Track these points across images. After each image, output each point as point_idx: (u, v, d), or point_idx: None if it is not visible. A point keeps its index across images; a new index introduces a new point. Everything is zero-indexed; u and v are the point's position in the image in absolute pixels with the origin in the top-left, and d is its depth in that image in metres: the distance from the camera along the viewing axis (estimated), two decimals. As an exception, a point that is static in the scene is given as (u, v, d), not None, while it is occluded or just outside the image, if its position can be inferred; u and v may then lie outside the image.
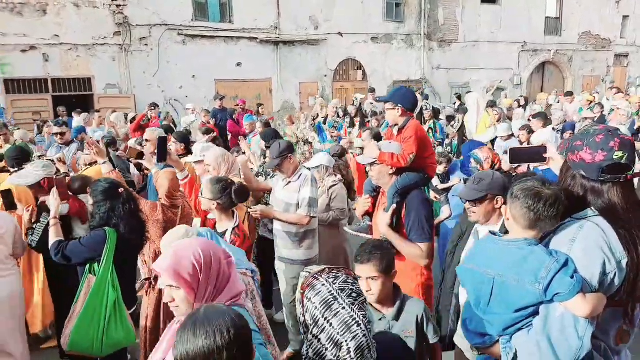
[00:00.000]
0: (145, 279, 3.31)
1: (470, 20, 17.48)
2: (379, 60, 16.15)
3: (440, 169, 5.16)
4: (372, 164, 2.90)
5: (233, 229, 3.00)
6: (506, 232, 1.90)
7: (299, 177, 3.63)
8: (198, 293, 1.62)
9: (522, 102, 11.70)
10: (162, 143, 3.74)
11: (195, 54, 13.06)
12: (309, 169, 4.02)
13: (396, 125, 3.00)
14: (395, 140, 2.91)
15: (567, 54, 19.65)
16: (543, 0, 18.68)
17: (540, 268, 1.61)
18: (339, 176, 4.51)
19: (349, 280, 1.59)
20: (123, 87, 12.47)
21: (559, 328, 1.61)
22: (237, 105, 10.42)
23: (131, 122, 9.59)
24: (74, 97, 11.99)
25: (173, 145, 5.10)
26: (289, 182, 3.65)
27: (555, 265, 1.59)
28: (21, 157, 4.22)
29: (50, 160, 4.48)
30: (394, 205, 2.80)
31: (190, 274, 1.60)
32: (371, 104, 10.83)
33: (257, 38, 13.84)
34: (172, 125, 8.91)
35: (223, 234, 2.97)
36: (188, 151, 5.25)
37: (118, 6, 12.05)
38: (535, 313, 1.67)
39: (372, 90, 12.69)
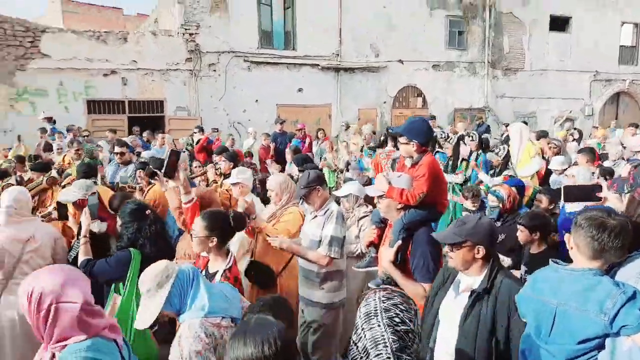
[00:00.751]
0: None
1: (537, 48, 16.99)
2: (440, 87, 16.01)
3: (467, 204, 4.81)
4: (380, 196, 2.81)
5: (224, 270, 2.65)
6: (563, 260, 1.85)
7: (325, 212, 3.35)
8: (32, 322, 1.69)
9: (576, 136, 10.34)
10: (171, 158, 3.47)
11: (259, 80, 13.60)
12: (337, 201, 3.86)
13: (410, 157, 2.89)
14: (407, 173, 2.83)
15: (644, 84, 18.50)
16: (617, 28, 17.82)
17: (607, 299, 1.55)
18: (371, 207, 4.21)
19: (400, 306, 1.60)
20: (191, 110, 13.17)
21: None
22: (298, 129, 10.71)
23: (196, 143, 10.12)
24: (147, 118, 12.81)
25: (223, 164, 5.37)
26: (315, 215, 3.40)
27: (622, 296, 1.53)
28: (88, 172, 4.50)
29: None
30: (399, 242, 2.68)
31: (23, 304, 1.69)
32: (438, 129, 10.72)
33: (318, 65, 14.21)
34: (228, 147, 9.35)
35: (214, 275, 2.67)
36: None
37: (191, 34, 12.86)
38: (601, 346, 1.59)
39: (433, 118, 12.55)
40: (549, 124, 16.49)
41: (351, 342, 1.62)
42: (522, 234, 3.26)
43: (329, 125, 14.37)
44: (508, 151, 6.76)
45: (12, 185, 4.30)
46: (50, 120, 10.52)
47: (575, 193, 2.59)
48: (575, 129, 11.28)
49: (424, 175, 2.69)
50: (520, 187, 4.17)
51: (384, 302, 1.60)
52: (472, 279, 2.13)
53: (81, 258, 3.00)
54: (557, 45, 17.23)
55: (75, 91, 12.01)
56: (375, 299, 1.63)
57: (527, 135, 6.95)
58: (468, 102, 16.51)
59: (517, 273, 3.35)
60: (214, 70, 13.25)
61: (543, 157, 7.17)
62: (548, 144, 7.73)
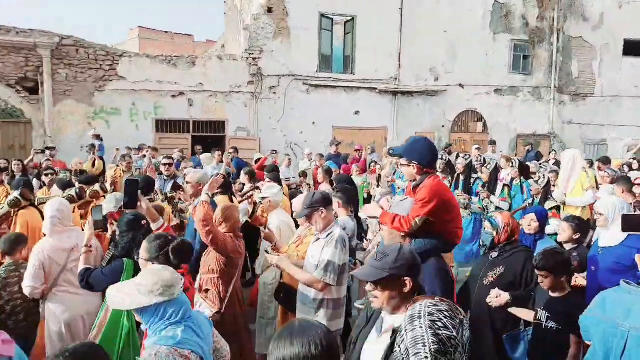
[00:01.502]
0: (217, 312, 3.33)
1: (609, 73, 16.12)
2: (503, 112, 15.54)
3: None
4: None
5: None
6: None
7: (328, 235, 3.19)
8: None
9: (635, 166, 9.39)
10: (130, 188, 3.35)
11: (317, 102, 13.89)
12: (345, 227, 3.73)
13: (414, 180, 2.70)
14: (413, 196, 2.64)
15: None
16: (702, 51, 16.54)
17: None
18: None
19: (444, 312, 1.61)
20: (251, 130, 13.66)
21: None
22: (357, 150, 10.86)
23: (255, 162, 10.45)
24: (210, 137, 13.42)
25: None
26: (318, 238, 3.26)
27: None
28: (144, 186, 4.65)
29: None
30: None
31: None
32: (491, 159, 10.40)
33: (376, 88, 14.30)
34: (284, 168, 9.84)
35: None
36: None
37: (254, 59, 13.43)
38: None
39: (493, 143, 12.20)
40: (621, 152, 15.45)
41: (395, 344, 1.65)
42: (546, 280, 2.89)
43: (384, 148, 14.32)
44: (549, 180, 6.39)
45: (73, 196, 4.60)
46: (98, 137, 11.26)
47: (634, 222, 2.39)
48: (634, 158, 10.38)
49: (424, 199, 2.50)
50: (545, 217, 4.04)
51: (429, 307, 1.63)
52: (395, 317, 1.88)
53: (80, 267, 3.05)
54: (631, 70, 16.26)
55: (145, 111, 12.86)
56: (421, 304, 1.66)
57: (582, 164, 6.48)
58: (532, 128, 15.88)
59: (527, 313, 3.02)
60: (274, 93, 13.70)
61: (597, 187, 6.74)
62: (599, 169, 7.26)
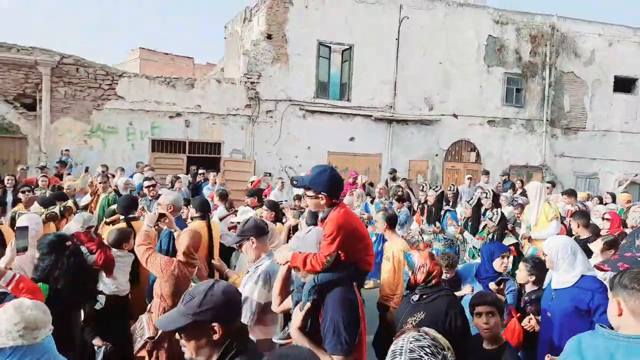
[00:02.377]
0: (149, 338, 3.15)
1: (600, 108, 16.47)
2: (495, 143, 15.76)
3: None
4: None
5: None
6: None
7: (256, 268, 2.99)
8: None
9: (609, 199, 9.49)
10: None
11: (313, 128, 14.04)
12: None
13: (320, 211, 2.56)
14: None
15: None
16: (690, 90, 16.97)
17: None
18: None
19: (426, 349, 1.59)
20: (246, 153, 13.74)
21: None
22: (351, 177, 10.97)
23: (250, 183, 10.49)
24: (205, 158, 13.48)
25: (264, 213, 5.51)
26: (248, 270, 3.05)
27: None
28: (127, 205, 4.65)
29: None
30: (308, 304, 2.35)
31: None
32: (480, 187, 10.48)
33: (371, 115, 14.50)
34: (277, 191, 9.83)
35: None
36: (277, 218, 5.64)
37: (252, 83, 13.63)
38: None
39: (486, 173, 12.32)
40: (613, 186, 15.63)
41: None
42: (492, 320, 2.69)
43: (378, 174, 14.44)
44: (503, 215, 6.13)
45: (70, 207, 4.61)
46: (67, 155, 11.59)
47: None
48: (608, 192, 10.32)
49: (331, 234, 2.35)
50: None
51: (412, 343, 1.60)
52: None
53: None
54: (621, 106, 16.62)
55: (142, 130, 12.94)
56: (404, 339, 1.64)
57: (544, 196, 6.46)
58: (524, 160, 16.07)
59: None
60: (271, 117, 13.85)
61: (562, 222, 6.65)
62: (567, 202, 7.17)
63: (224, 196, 6.70)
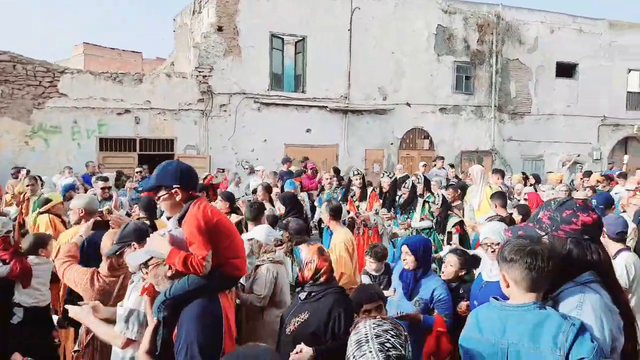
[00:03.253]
0: (74, 351, 2.90)
1: (544, 93, 17.21)
2: (447, 130, 16.18)
3: (370, 267, 4.07)
4: (146, 263, 2.14)
5: None
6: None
7: (139, 279, 2.57)
8: None
9: (532, 181, 9.77)
10: None
11: (269, 120, 13.91)
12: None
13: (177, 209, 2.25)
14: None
15: (653, 129, 18.48)
16: (623, 75, 18.04)
17: (558, 333, 1.54)
18: (279, 253, 3.77)
19: (390, 332, 1.60)
20: (201, 149, 13.44)
21: None
22: (310, 168, 10.97)
23: (203, 180, 10.27)
24: (157, 155, 13.07)
25: (219, 204, 5.45)
26: (132, 280, 2.67)
27: (573, 328, 1.52)
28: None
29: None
30: (155, 320, 2.03)
31: None
32: (437, 175, 10.74)
33: (327, 107, 14.52)
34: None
35: None
36: (232, 210, 5.63)
37: (204, 77, 13.31)
38: None
39: (441, 159, 12.61)
40: (557, 167, 16.44)
41: None
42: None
43: (335, 165, 14.50)
44: (444, 197, 6.26)
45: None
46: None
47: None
48: (533, 175, 10.53)
49: (194, 233, 2.04)
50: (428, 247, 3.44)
51: (375, 329, 1.60)
52: None
53: None
54: (564, 91, 17.45)
55: (88, 129, 12.38)
56: (365, 326, 1.63)
57: (486, 179, 6.66)
58: (475, 145, 16.60)
59: None
60: (225, 111, 13.60)
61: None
62: (494, 182, 7.28)
63: (230, 197, 6.42)
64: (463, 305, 3.23)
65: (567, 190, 7.79)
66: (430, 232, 6.10)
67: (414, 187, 6.59)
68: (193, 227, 2.06)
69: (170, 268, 2.09)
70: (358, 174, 7.01)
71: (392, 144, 15.56)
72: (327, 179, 9.18)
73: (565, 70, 17.53)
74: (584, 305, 1.60)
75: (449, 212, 6.15)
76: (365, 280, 4.07)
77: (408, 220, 6.35)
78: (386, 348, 1.53)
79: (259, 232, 3.86)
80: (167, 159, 10.97)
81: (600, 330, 1.55)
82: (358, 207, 6.83)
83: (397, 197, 6.99)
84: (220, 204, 5.58)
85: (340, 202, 6.13)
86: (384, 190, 7.35)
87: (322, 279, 2.66)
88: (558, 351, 1.52)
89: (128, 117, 12.72)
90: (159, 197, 2.24)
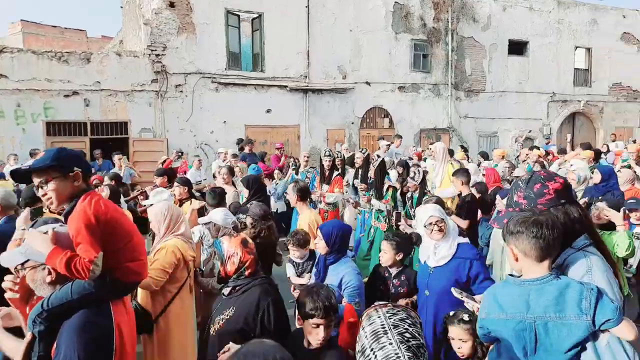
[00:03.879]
0: None
1: (497, 71, 17.66)
2: (406, 108, 16.35)
3: (294, 255, 3.84)
4: (23, 264, 1.82)
5: None
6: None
7: None
8: None
9: (472, 160, 10.15)
10: None
11: (227, 101, 13.53)
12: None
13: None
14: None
15: (597, 105, 19.47)
16: (571, 52, 18.78)
17: (581, 299, 1.58)
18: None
19: (407, 321, 1.54)
20: (157, 131, 12.93)
21: (610, 357, 1.58)
22: (277, 148, 10.87)
23: (162, 164, 9.90)
24: (111, 140, 12.47)
25: (177, 189, 5.34)
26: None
27: (593, 293, 1.58)
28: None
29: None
30: (29, 335, 1.76)
31: None
32: (397, 154, 10.85)
33: (287, 86, 14.28)
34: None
35: None
36: (191, 195, 5.53)
37: (157, 55, 12.72)
38: (582, 348, 1.62)
39: (399, 137, 12.73)
40: (510, 143, 17.05)
41: None
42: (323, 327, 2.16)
43: (297, 145, 14.39)
44: (424, 174, 6.38)
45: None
46: None
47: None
48: (481, 152, 10.87)
49: (80, 231, 1.76)
50: None
51: (391, 319, 1.53)
52: None
53: None
54: (515, 68, 17.97)
55: (34, 113, 11.61)
56: (380, 316, 1.55)
57: (448, 157, 6.81)
58: (433, 123, 16.90)
59: None
60: (181, 91, 13.10)
61: None
62: (456, 163, 7.41)
63: (118, 178, 6.51)
64: (402, 302, 3.12)
65: (509, 166, 8.14)
66: (383, 215, 6.15)
67: (381, 167, 6.73)
68: (81, 223, 1.76)
69: (50, 273, 1.77)
70: (328, 155, 6.98)
71: (352, 123, 15.57)
72: (304, 156, 9.10)
73: (517, 47, 18.04)
74: (593, 270, 1.65)
75: (425, 191, 6.23)
76: (290, 269, 3.90)
77: (369, 196, 6.57)
78: (406, 338, 1.46)
79: (215, 216, 3.76)
80: (122, 142, 10.64)
81: (612, 291, 1.62)
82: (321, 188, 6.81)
83: (368, 173, 7.18)
84: (177, 190, 5.44)
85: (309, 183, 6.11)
86: (357, 165, 7.48)
87: (246, 273, 2.47)
88: (584, 317, 1.57)
89: (77, 99, 12.01)
90: (38, 186, 1.89)
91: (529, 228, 1.67)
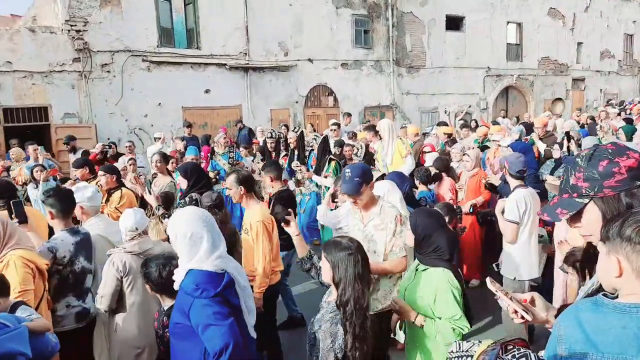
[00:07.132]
0: None
1: (436, 46, 17.76)
2: (350, 86, 16.05)
3: None
4: None
5: None
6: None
7: None
8: None
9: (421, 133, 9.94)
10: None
11: (161, 81, 12.49)
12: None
13: None
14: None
15: (528, 78, 20.26)
16: (504, 27, 19.29)
17: None
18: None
19: None
20: (83, 117, 11.70)
21: None
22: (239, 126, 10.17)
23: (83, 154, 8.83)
24: (29, 127, 11.11)
25: (103, 178, 4.89)
26: None
27: None
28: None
29: None
30: None
31: None
32: (347, 132, 10.50)
33: (225, 64, 13.44)
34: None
35: None
36: (121, 184, 5.10)
37: (77, 31, 11.41)
38: None
39: (348, 115, 12.42)
40: (446, 117, 17.32)
41: None
42: None
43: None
44: (366, 149, 6.32)
45: None
46: None
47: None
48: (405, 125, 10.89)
49: None
50: None
51: None
52: None
53: None
54: (453, 43, 18.17)
55: None
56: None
57: (396, 133, 6.69)
58: (376, 100, 16.76)
59: None
60: (108, 72, 11.90)
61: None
62: (407, 140, 7.32)
63: (115, 170, 5.50)
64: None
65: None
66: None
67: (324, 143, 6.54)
68: None
69: None
70: (272, 136, 6.55)
71: (297, 102, 15.04)
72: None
73: (454, 23, 18.21)
74: None
75: (371, 166, 6.05)
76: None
77: (310, 172, 6.56)
78: None
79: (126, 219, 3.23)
80: (42, 130, 9.42)
81: None
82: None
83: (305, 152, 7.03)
84: (103, 179, 4.88)
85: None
86: (291, 146, 7.16)
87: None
88: None
89: (-16, 82, 10.53)
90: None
91: None
